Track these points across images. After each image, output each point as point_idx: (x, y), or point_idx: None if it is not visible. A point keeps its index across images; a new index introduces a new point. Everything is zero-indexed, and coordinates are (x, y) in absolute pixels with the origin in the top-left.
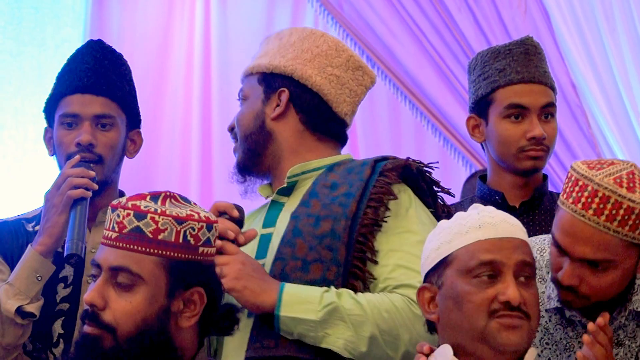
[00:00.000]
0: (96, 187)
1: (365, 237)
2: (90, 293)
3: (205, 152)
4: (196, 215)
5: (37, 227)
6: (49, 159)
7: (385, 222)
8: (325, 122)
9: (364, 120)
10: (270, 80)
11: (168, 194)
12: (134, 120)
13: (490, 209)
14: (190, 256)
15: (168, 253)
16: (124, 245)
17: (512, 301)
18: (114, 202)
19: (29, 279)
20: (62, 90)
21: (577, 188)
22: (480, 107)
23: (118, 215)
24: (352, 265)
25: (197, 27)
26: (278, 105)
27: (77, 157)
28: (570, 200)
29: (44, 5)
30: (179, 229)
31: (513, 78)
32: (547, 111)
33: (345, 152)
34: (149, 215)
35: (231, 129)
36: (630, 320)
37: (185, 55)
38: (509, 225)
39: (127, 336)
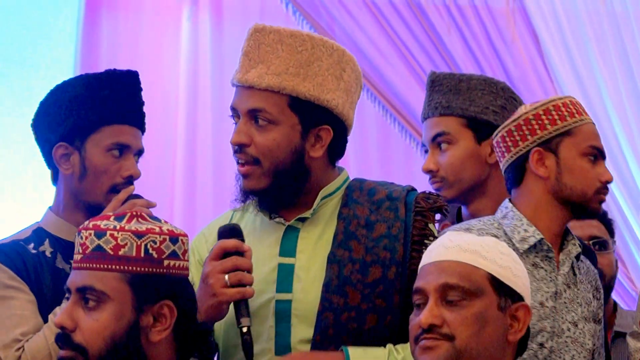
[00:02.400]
0: None
1: (414, 282)
2: (60, 316)
3: (189, 174)
4: (157, 229)
5: (40, 249)
6: (39, 178)
7: None
8: (343, 153)
9: (354, 142)
10: (309, 113)
11: (134, 213)
12: None
13: (452, 233)
14: (154, 269)
15: (130, 268)
16: (87, 265)
17: (422, 325)
18: (80, 226)
19: None
20: (111, 116)
21: None
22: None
23: (81, 237)
24: (406, 313)
25: (187, 47)
26: (317, 141)
27: (132, 187)
28: None
29: (35, 25)
30: (139, 243)
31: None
32: (438, 140)
33: None
34: (108, 232)
35: (240, 145)
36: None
37: (175, 78)
38: (442, 249)
39: (98, 355)
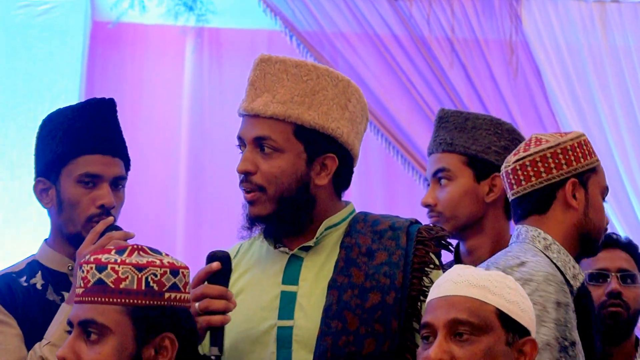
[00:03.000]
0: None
1: (414, 308)
2: (62, 349)
3: (192, 204)
4: (158, 262)
5: (31, 281)
6: (42, 211)
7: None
8: (349, 183)
9: (358, 175)
10: (314, 141)
11: (136, 246)
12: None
13: (461, 268)
14: (155, 302)
15: (131, 301)
16: (89, 298)
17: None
18: (82, 259)
19: None
20: (80, 147)
21: None
22: None
23: (83, 271)
24: (404, 338)
25: (190, 78)
26: (323, 169)
27: (111, 218)
28: None
29: (41, 58)
30: (140, 276)
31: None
32: (439, 176)
33: None
34: (109, 266)
35: (245, 173)
36: None
37: (177, 108)
38: (451, 284)
39: None
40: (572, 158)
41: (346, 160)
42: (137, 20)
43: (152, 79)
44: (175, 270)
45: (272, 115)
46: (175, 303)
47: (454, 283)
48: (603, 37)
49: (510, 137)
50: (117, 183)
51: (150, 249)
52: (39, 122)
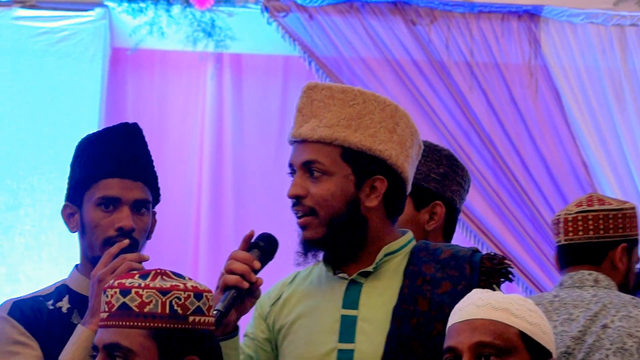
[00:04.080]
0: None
1: None
2: None
3: (214, 228)
4: (182, 285)
5: (58, 305)
6: (64, 235)
7: None
8: (402, 209)
9: None
10: (363, 163)
11: (159, 271)
12: (156, 202)
13: (481, 292)
14: (179, 325)
15: (156, 324)
16: (114, 322)
17: None
18: (106, 285)
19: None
20: (99, 172)
21: None
22: None
23: (107, 296)
24: None
25: (211, 104)
26: (372, 192)
27: (127, 240)
28: None
29: (60, 85)
30: (164, 299)
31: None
32: None
33: None
34: (133, 290)
35: (296, 198)
36: None
37: (199, 134)
38: (473, 308)
39: None
40: (628, 225)
41: (397, 184)
42: (156, 46)
43: (171, 104)
44: (199, 294)
45: (319, 139)
46: (199, 326)
47: (476, 307)
48: (622, 61)
49: (449, 163)
50: (139, 207)
51: (174, 273)
52: (59, 148)
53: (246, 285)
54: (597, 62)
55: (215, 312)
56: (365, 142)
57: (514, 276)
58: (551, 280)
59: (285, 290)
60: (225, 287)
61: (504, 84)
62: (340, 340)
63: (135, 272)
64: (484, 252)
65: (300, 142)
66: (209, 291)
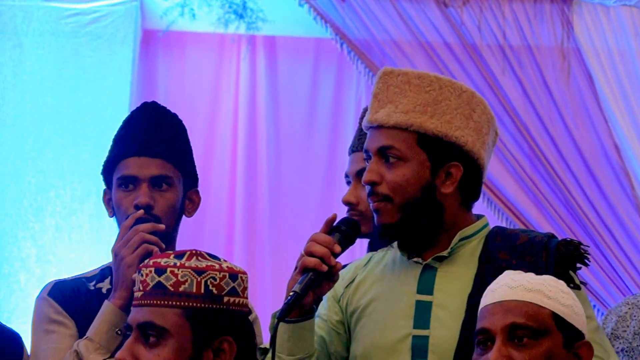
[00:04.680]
0: (163, 245)
1: None
2: (120, 351)
3: (249, 211)
4: (217, 266)
5: (98, 285)
6: (95, 217)
7: None
8: (478, 194)
9: None
10: (438, 149)
11: (194, 252)
12: (191, 179)
13: (514, 273)
14: (214, 305)
15: (190, 304)
16: (148, 301)
17: None
18: (141, 264)
19: (109, 334)
20: (119, 153)
21: None
22: None
23: (142, 275)
24: None
25: (243, 87)
26: (448, 178)
27: (141, 211)
28: None
29: (92, 66)
30: (199, 279)
31: None
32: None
33: None
34: (169, 269)
35: (371, 184)
36: None
37: (231, 115)
38: (506, 289)
39: None
40: None
41: (472, 170)
42: (187, 28)
43: (202, 86)
44: (234, 275)
45: (394, 125)
46: (233, 307)
47: (509, 288)
48: None
49: None
50: (159, 183)
51: (209, 254)
52: (89, 130)
53: (325, 268)
54: (630, 44)
55: (291, 293)
56: (442, 128)
57: (589, 261)
58: None
59: (360, 273)
60: (303, 270)
61: (537, 67)
62: (415, 326)
63: (170, 252)
64: None
65: (375, 127)
66: (244, 272)
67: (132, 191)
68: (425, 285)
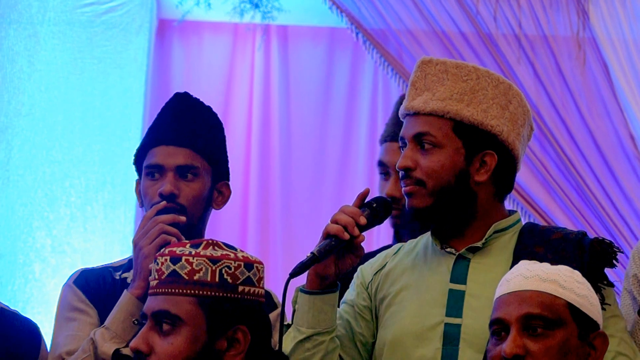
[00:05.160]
0: (182, 237)
1: None
2: (135, 340)
3: (262, 201)
4: (232, 255)
5: (124, 275)
6: (110, 207)
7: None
8: (512, 186)
9: None
10: (474, 137)
11: (211, 241)
12: (221, 171)
13: (529, 263)
14: (228, 294)
15: (205, 292)
16: (163, 290)
17: (506, 355)
18: (157, 253)
19: (125, 323)
20: (148, 142)
21: None
22: None
23: (157, 263)
24: None
25: (258, 76)
26: (482, 166)
27: (164, 202)
28: None
29: (107, 56)
30: (214, 268)
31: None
32: None
33: None
34: (184, 258)
35: (405, 169)
36: None
37: (246, 104)
38: (521, 279)
39: None
40: None
41: (507, 160)
42: (202, 17)
43: (217, 75)
44: (249, 264)
45: (431, 112)
46: (248, 296)
47: (524, 278)
48: None
49: None
50: (185, 172)
51: (225, 244)
52: (105, 120)
53: (346, 236)
54: None
55: (309, 255)
56: (477, 117)
57: (618, 262)
58: None
59: (390, 261)
60: (326, 236)
61: (552, 56)
62: (448, 314)
63: (186, 241)
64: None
65: (412, 115)
66: (260, 262)
67: (158, 180)
68: (459, 274)
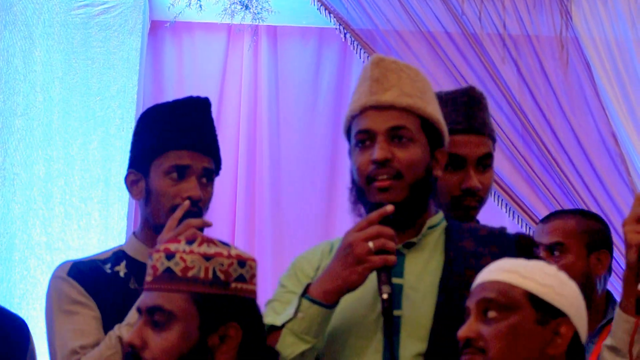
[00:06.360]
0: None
1: None
2: (129, 335)
3: (250, 200)
4: (226, 253)
5: (115, 269)
6: (104, 204)
7: None
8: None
9: None
10: (434, 135)
11: (205, 238)
12: (216, 174)
13: (503, 260)
14: (221, 291)
15: (198, 289)
16: (157, 286)
17: (459, 338)
18: (152, 249)
19: None
20: (170, 143)
21: None
22: None
23: (152, 259)
24: None
25: (249, 75)
26: (437, 163)
27: (187, 202)
28: None
29: (101, 56)
30: (207, 265)
31: (452, 128)
32: (484, 162)
33: None
34: (178, 254)
35: (385, 161)
36: None
37: (237, 104)
38: (487, 272)
39: None
40: None
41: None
42: (194, 18)
43: (208, 76)
44: (242, 262)
45: (406, 106)
46: (241, 293)
47: (489, 271)
48: None
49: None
50: (206, 177)
51: (220, 241)
52: (98, 120)
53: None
54: (627, 34)
55: (385, 296)
56: (435, 115)
57: (538, 254)
58: None
59: (325, 259)
60: (382, 268)
61: (536, 56)
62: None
63: (181, 238)
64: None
65: (383, 108)
66: (253, 260)
67: (179, 181)
68: (396, 269)
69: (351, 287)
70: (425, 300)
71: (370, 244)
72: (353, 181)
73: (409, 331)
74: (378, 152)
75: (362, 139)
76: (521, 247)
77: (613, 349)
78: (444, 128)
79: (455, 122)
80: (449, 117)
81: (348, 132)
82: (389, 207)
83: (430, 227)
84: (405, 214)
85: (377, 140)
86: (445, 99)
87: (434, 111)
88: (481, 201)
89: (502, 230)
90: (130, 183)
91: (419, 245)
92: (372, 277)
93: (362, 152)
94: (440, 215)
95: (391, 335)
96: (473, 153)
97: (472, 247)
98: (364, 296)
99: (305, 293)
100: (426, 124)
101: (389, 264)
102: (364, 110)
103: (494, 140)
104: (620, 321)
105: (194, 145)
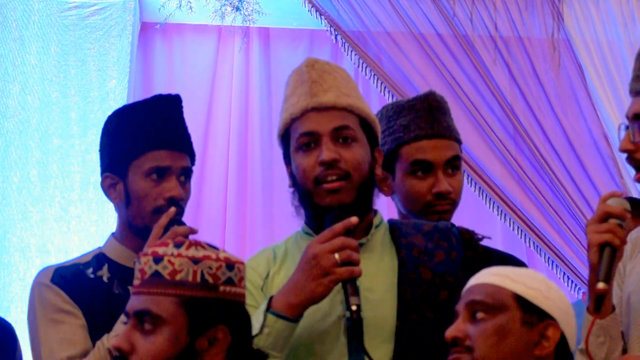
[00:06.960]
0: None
1: None
2: (117, 339)
3: (241, 202)
4: (214, 256)
5: (98, 274)
6: (94, 207)
7: None
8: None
9: None
10: (372, 134)
11: (193, 241)
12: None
13: (497, 267)
14: (209, 295)
15: (186, 293)
16: (145, 290)
17: (446, 338)
18: (140, 252)
19: None
20: (148, 143)
21: None
22: (387, 162)
23: (140, 263)
24: None
25: (240, 77)
26: (376, 161)
27: (173, 209)
28: None
29: (91, 58)
30: (195, 268)
31: (417, 134)
32: (452, 164)
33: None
34: (166, 258)
35: (333, 161)
36: None
37: (227, 106)
38: (477, 276)
39: None
40: None
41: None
42: (184, 20)
43: (199, 78)
44: (230, 265)
45: (346, 106)
46: (229, 297)
47: (480, 275)
48: None
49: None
50: (184, 175)
51: (208, 244)
52: (88, 122)
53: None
54: (619, 36)
55: (355, 307)
56: (371, 114)
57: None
58: (571, 249)
59: (272, 266)
60: (348, 280)
61: (527, 58)
62: (347, 309)
63: (169, 241)
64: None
65: (325, 109)
66: (242, 263)
67: (159, 182)
68: None
69: (317, 299)
70: (384, 302)
71: (336, 256)
72: (295, 184)
73: (372, 333)
74: (326, 153)
75: (306, 142)
76: (465, 240)
77: (581, 351)
78: (379, 128)
79: (419, 127)
80: (412, 124)
81: (283, 137)
82: (354, 219)
83: (376, 226)
84: (356, 215)
85: (322, 142)
86: (407, 106)
87: (370, 110)
88: (454, 204)
89: (445, 225)
90: (108, 187)
91: (368, 246)
92: None
93: (307, 154)
94: (379, 214)
95: (361, 339)
96: (440, 157)
97: (422, 243)
98: (321, 303)
99: (269, 307)
100: (364, 123)
101: (355, 275)
102: (304, 113)
103: (459, 142)
104: (587, 322)
105: (172, 144)
